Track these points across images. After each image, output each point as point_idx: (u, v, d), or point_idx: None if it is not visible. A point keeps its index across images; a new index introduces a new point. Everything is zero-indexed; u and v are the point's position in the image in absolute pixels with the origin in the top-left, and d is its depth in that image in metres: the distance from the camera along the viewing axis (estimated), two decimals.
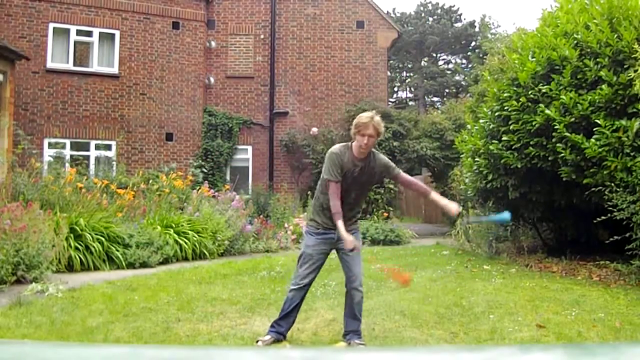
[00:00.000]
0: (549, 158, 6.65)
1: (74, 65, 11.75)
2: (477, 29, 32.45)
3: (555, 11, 7.45)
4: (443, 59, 36.47)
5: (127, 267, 6.95)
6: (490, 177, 7.65)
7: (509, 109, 7.06)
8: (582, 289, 5.68)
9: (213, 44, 13.00)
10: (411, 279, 3.80)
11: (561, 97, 6.37)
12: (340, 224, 3.51)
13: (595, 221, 6.32)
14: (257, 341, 3.80)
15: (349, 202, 3.70)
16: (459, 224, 9.74)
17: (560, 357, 0.74)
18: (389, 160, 3.83)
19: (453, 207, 3.62)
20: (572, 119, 6.28)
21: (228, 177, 12.66)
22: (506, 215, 3.88)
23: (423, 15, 35.16)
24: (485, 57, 14.26)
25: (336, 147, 3.71)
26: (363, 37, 13.61)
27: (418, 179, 21.82)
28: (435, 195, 3.74)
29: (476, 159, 8.00)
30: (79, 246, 6.75)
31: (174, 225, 8.05)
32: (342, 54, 13.53)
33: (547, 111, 6.43)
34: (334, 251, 3.86)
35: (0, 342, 1.59)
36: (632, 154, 5.78)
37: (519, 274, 6.74)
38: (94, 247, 6.80)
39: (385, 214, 12.02)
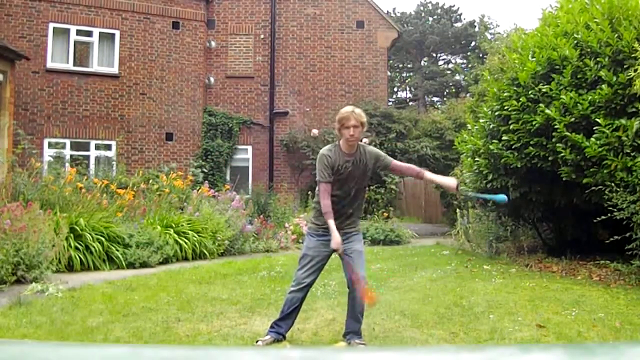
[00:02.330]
0: (549, 158, 6.65)
1: (74, 65, 11.74)
2: (477, 29, 32.44)
3: (556, 11, 7.46)
4: (443, 59, 36.44)
5: (127, 267, 6.95)
6: (490, 177, 7.65)
7: (509, 109, 7.06)
8: (582, 289, 5.68)
9: (213, 44, 12.99)
10: (375, 300, 3.84)
11: (561, 96, 6.37)
12: (331, 222, 3.55)
13: (595, 221, 6.32)
14: (257, 341, 3.80)
15: (348, 199, 3.72)
16: (458, 224, 9.74)
17: (560, 357, 0.74)
18: (379, 151, 3.91)
19: (451, 182, 3.71)
20: (572, 119, 6.28)
21: (228, 177, 12.66)
22: (502, 196, 3.90)
23: (423, 15, 35.13)
24: (485, 57, 14.26)
25: (325, 148, 3.80)
26: (363, 37, 13.61)
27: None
28: (429, 175, 3.79)
29: (476, 159, 8.00)
30: (79, 246, 6.75)
31: (174, 225, 8.05)
32: (342, 54, 13.52)
33: (547, 111, 6.43)
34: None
35: (0, 342, 1.59)
36: (632, 153, 5.78)
37: (519, 274, 6.74)
38: (94, 247, 6.79)
39: (385, 214, 12.02)
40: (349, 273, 3.74)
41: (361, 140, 3.89)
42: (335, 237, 3.52)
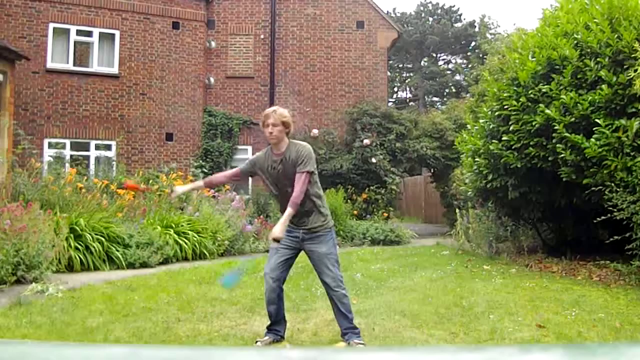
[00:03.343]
0: (549, 158, 6.65)
1: (74, 65, 11.74)
2: (477, 29, 32.43)
3: (556, 11, 7.46)
4: (443, 59, 36.45)
5: (127, 267, 6.95)
6: (490, 177, 7.65)
7: (509, 109, 7.06)
8: (582, 289, 5.68)
9: (213, 44, 12.99)
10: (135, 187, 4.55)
11: (561, 97, 6.37)
12: (197, 184, 4.16)
13: (595, 221, 6.32)
14: (256, 342, 3.80)
15: (287, 197, 3.65)
16: (458, 224, 9.74)
17: (560, 357, 0.74)
18: (307, 154, 3.65)
19: (274, 230, 3.57)
20: (572, 119, 6.28)
21: None
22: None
23: (423, 15, 35.13)
24: (485, 57, 14.25)
25: (261, 151, 3.92)
26: (363, 37, 13.60)
27: (418, 178, 21.52)
28: (286, 213, 3.58)
29: (476, 159, 8.00)
30: (79, 246, 6.74)
31: (174, 226, 8.04)
32: (342, 54, 13.52)
33: (547, 111, 6.44)
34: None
35: (0, 342, 1.59)
36: (632, 153, 5.78)
37: (519, 274, 6.75)
38: (94, 247, 6.79)
39: (385, 214, 12.02)
40: (317, 275, 3.84)
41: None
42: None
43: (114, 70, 12.00)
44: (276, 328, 3.83)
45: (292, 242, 3.74)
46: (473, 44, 32.20)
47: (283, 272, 3.78)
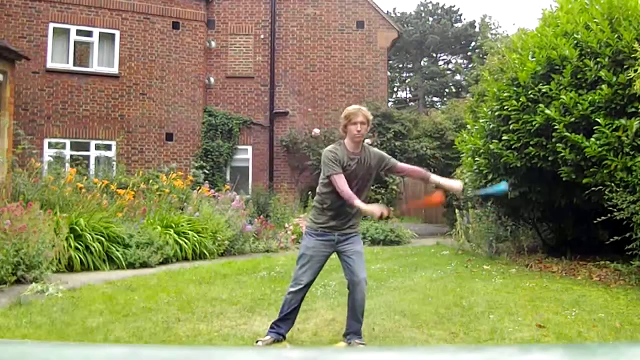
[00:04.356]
0: (549, 158, 6.66)
1: (74, 65, 11.74)
2: (477, 29, 32.45)
3: (555, 11, 7.46)
4: (443, 59, 36.47)
5: (127, 267, 6.95)
6: (490, 177, 7.65)
7: (509, 109, 7.06)
8: (582, 289, 5.68)
9: (213, 44, 12.99)
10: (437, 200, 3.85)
11: (561, 96, 6.37)
12: (357, 202, 3.51)
13: (595, 221, 6.32)
14: (257, 341, 3.80)
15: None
16: (458, 224, 9.74)
17: (560, 357, 0.74)
18: (383, 152, 3.89)
19: (455, 184, 3.76)
20: (572, 119, 6.28)
21: (228, 177, 12.66)
22: (502, 186, 3.91)
23: (423, 15, 35.16)
24: (485, 57, 14.26)
25: (330, 147, 3.78)
26: (363, 37, 13.61)
27: None
28: (435, 177, 3.79)
29: (476, 159, 8.00)
30: (79, 246, 6.74)
31: (174, 225, 8.04)
32: (342, 54, 13.52)
33: (547, 111, 6.44)
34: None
35: (0, 342, 1.59)
36: (631, 153, 5.79)
37: (519, 274, 6.75)
38: (94, 247, 6.79)
39: None
40: (349, 273, 3.74)
41: (363, 141, 3.84)
42: (371, 209, 3.56)
43: (114, 70, 12.00)
44: (281, 325, 3.81)
45: (327, 247, 3.73)
46: (473, 44, 32.21)
47: (315, 277, 3.82)
